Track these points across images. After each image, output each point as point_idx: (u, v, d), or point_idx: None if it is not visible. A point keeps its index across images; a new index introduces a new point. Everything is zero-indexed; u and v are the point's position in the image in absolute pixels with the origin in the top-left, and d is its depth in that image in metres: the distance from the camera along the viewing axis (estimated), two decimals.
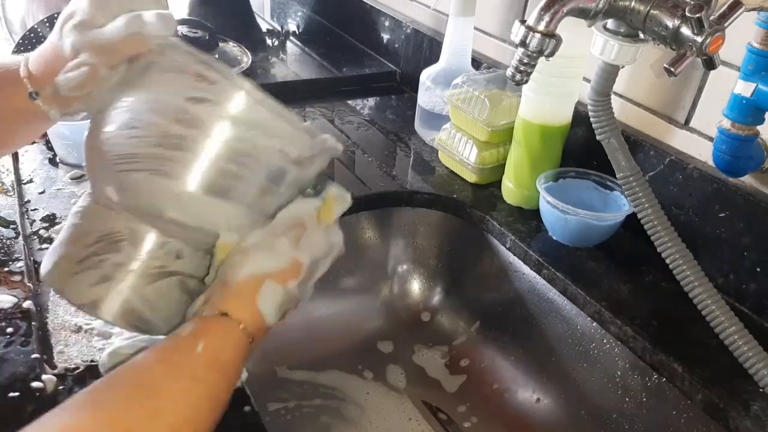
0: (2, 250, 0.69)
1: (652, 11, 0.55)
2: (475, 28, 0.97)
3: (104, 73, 0.46)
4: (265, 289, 0.46)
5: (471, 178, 0.89)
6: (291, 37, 1.42)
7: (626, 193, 0.66)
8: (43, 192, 0.80)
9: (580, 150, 0.84)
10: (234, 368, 0.45)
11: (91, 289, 0.47)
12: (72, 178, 0.83)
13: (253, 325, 0.46)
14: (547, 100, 0.78)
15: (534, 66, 0.56)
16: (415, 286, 0.93)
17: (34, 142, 0.90)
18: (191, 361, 0.43)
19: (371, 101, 1.14)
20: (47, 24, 0.95)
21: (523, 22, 0.54)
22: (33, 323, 0.60)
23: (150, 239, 0.47)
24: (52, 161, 0.87)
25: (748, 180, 0.68)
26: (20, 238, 0.71)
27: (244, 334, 0.45)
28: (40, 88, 0.48)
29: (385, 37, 1.24)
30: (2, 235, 0.71)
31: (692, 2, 0.52)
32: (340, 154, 0.52)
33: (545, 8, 0.53)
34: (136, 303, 0.47)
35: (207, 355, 0.43)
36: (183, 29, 1.14)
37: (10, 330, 0.59)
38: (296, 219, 0.49)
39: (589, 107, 0.65)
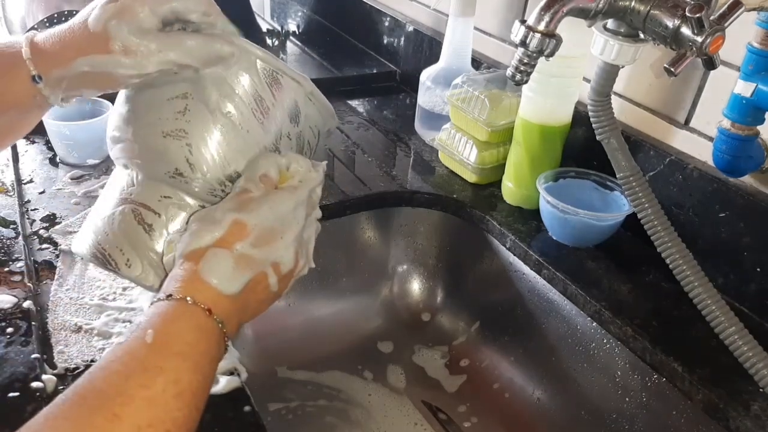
0: (2, 250, 0.69)
1: (652, 11, 0.55)
2: (475, 28, 0.97)
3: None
4: (208, 258, 0.44)
5: (471, 178, 0.89)
6: (291, 37, 1.43)
7: (626, 193, 0.66)
8: (43, 192, 0.80)
9: (580, 150, 0.83)
10: (198, 352, 0.41)
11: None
12: (72, 178, 0.83)
13: (206, 299, 0.43)
14: (547, 100, 0.78)
15: (534, 66, 0.56)
16: (415, 286, 0.93)
17: (34, 142, 0.90)
18: (143, 353, 0.39)
19: (371, 101, 1.14)
20: (47, 24, 0.96)
21: (523, 22, 0.54)
22: (33, 323, 0.60)
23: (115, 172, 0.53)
24: (52, 161, 0.87)
25: (748, 180, 0.68)
26: (20, 238, 0.71)
27: (199, 311, 0.42)
28: (44, 71, 0.45)
29: (385, 37, 1.24)
30: (2, 235, 0.71)
31: (692, 2, 0.52)
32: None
33: (545, 8, 0.53)
34: (92, 232, 0.51)
35: (158, 341, 0.40)
36: None
37: (10, 330, 0.59)
38: (248, 181, 0.47)
39: (589, 107, 0.65)
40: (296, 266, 0.48)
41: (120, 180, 0.52)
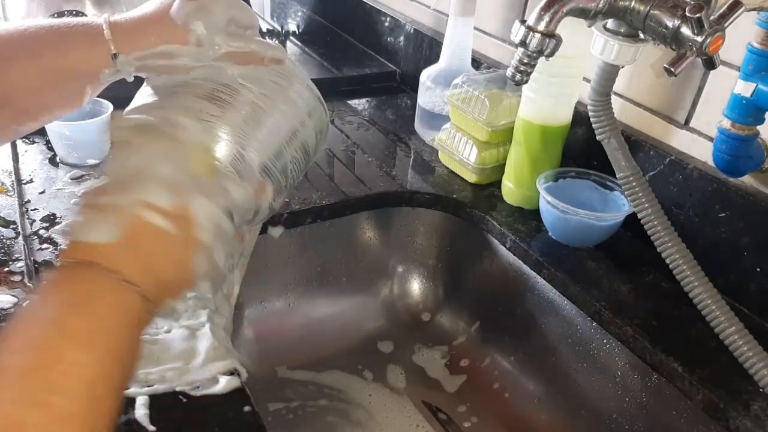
0: (2, 250, 0.69)
1: (652, 11, 0.55)
2: (475, 28, 0.97)
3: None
4: (69, 224, 0.45)
5: (471, 178, 0.89)
6: (291, 37, 1.42)
7: (626, 193, 0.66)
8: (43, 192, 0.80)
9: (580, 150, 0.84)
10: (79, 295, 0.41)
11: None
12: (72, 178, 0.83)
13: (78, 254, 0.42)
14: (547, 100, 0.78)
15: (534, 66, 0.56)
16: (415, 286, 0.93)
17: (34, 142, 0.90)
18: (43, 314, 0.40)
19: (371, 101, 1.15)
20: None
21: (523, 22, 0.54)
22: None
23: None
24: (52, 161, 0.87)
25: (748, 180, 0.68)
26: (20, 238, 0.71)
27: (73, 265, 0.42)
28: (124, 51, 0.49)
29: (385, 37, 1.24)
30: (2, 235, 0.71)
31: (692, 2, 0.52)
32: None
33: (545, 8, 0.53)
34: None
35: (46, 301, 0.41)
36: None
37: None
38: None
39: (589, 107, 0.65)
40: (184, 203, 0.44)
41: None
